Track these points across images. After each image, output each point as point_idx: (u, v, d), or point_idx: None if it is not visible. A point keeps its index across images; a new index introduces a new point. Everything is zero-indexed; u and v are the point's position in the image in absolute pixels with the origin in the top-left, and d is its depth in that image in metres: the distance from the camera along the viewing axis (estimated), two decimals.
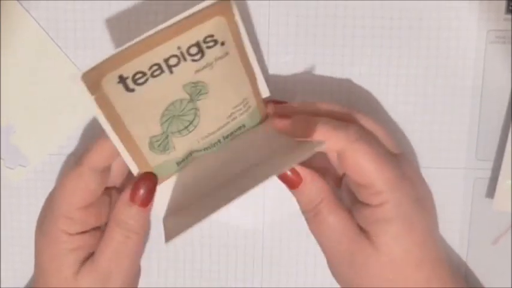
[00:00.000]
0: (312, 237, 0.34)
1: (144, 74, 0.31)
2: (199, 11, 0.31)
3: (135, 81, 0.31)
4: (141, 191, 0.34)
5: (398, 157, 0.34)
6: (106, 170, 0.35)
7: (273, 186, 0.40)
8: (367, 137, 0.33)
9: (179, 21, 0.30)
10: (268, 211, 0.41)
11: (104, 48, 0.40)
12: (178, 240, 0.41)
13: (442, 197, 0.40)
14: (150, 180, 0.34)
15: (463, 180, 0.40)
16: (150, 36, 0.30)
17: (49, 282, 0.35)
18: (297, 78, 0.40)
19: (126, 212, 0.34)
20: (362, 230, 0.34)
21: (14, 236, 0.42)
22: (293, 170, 0.34)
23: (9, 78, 0.41)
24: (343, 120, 0.34)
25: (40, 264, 0.36)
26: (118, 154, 0.33)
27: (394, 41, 0.39)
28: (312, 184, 0.34)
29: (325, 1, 0.39)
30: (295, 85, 0.40)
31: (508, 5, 0.38)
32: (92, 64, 0.29)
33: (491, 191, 0.39)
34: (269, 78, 0.40)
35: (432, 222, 0.35)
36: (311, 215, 0.34)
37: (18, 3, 0.40)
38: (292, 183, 0.34)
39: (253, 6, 0.39)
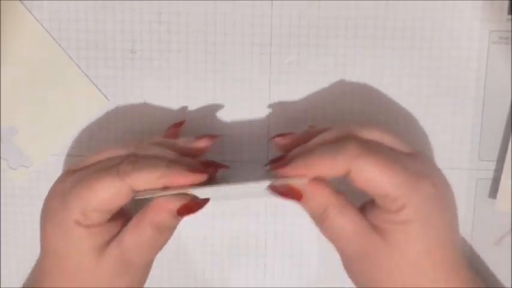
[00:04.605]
0: (315, 232, 0.34)
1: None
2: None
3: None
4: (192, 212, 0.34)
5: (412, 156, 0.34)
6: None
7: None
8: (369, 148, 0.32)
9: None
10: (270, 207, 0.41)
11: (107, 49, 0.40)
12: (180, 238, 0.41)
13: None
14: (204, 205, 0.35)
15: (465, 181, 0.40)
16: None
17: (68, 268, 0.34)
18: (299, 79, 0.40)
19: (164, 218, 0.34)
20: (376, 228, 0.33)
21: (15, 237, 0.42)
22: (290, 186, 0.33)
23: (12, 79, 0.41)
24: (341, 138, 0.33)
25: (54, 251, 0.35)
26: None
27: (396, 42, 0.39)
28: (314, 195, 0.33)
29: (327, 1, 0.39)
30: (298, 86, 0.40)
31: (511, 6, 0.38)
32: None
33: (493, 192, 0.40)
34: (272, 79, 0.40)
35: (452, 221, 0.34)
36: (319, 221, 0.34)
37: (20, 3, 0.40)
38: (293, 198, 0.34)
39: (255, 6, 0.39)
